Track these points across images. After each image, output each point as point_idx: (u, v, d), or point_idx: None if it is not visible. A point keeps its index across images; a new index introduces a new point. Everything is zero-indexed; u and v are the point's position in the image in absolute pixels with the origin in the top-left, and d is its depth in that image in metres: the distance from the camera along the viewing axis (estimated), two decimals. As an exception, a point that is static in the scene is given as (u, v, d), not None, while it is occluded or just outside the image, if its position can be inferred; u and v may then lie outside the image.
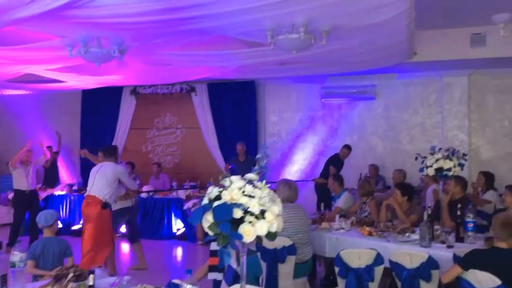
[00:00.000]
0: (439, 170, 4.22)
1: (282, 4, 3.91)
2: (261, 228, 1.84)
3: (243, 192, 1.77)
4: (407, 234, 4.35)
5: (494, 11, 5.70)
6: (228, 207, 1.73)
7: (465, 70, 8.47)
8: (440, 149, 4.76)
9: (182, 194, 8.12)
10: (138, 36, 5.10)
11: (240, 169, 2.07)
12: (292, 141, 9.73)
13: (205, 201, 1.82)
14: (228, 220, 1.73)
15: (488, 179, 6.85)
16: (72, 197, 8.72)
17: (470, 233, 4.03)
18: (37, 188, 8.87)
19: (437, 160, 4.24)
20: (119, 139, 10.37)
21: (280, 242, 4.13)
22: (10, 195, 8.39)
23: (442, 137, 8.84)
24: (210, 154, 9.81)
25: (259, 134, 9.83)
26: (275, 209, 1.87)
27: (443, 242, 4.17)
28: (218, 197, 1.80)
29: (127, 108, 10.35)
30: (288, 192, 4.33)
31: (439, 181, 5.49)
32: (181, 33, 5.10)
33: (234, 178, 1.85)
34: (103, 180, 5.63)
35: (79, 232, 8.49)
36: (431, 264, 3.72)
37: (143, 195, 8.47)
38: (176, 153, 10.24)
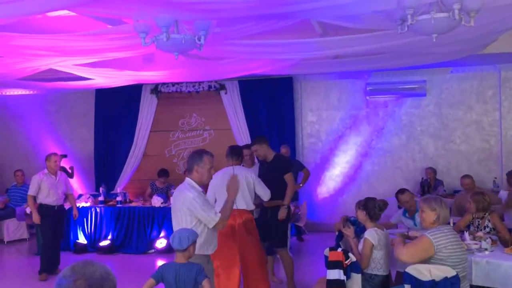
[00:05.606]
0: None
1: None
2: None
3: None
4: None
5: None
6: None
7: (527, 63, 7.87)
8: None
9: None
10: (222, 20, 4.21)
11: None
12: (333, 142, 8.93)
13: None
14: None
15: None
16: (98, 209, 7.64)
17: None
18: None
19: None
20: (139, 143, 9.33)
21: (440, 273, 3.31)
22: (27, 209, 7.27)
23: (500, 136, 8.21)
24: (243, 158, 8.89)
25: (296, 135, 9.00)
26: None
27: None
28: None
29: (148, 108, 9.31)
30: (445, 211, 3.50)
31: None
32: (273, 16, 4.23)
33: None
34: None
35: (106, 249, 7.46)
36: None
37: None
38: (203, 157, 9.26)
